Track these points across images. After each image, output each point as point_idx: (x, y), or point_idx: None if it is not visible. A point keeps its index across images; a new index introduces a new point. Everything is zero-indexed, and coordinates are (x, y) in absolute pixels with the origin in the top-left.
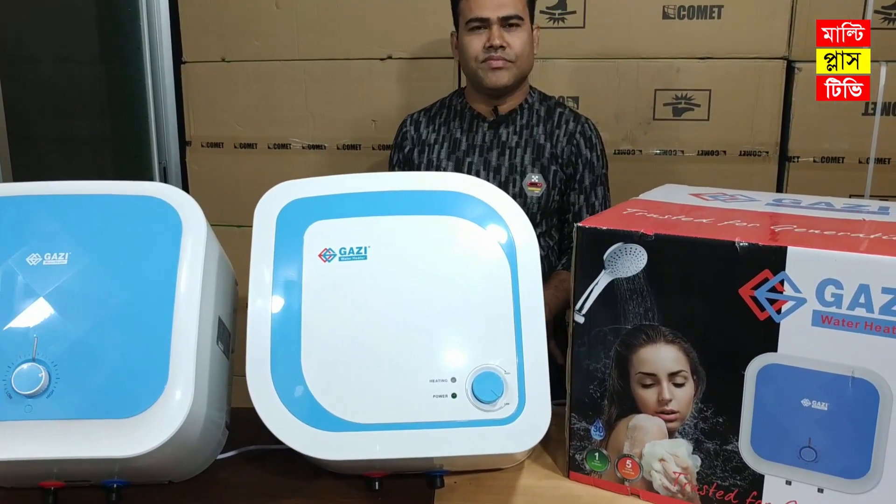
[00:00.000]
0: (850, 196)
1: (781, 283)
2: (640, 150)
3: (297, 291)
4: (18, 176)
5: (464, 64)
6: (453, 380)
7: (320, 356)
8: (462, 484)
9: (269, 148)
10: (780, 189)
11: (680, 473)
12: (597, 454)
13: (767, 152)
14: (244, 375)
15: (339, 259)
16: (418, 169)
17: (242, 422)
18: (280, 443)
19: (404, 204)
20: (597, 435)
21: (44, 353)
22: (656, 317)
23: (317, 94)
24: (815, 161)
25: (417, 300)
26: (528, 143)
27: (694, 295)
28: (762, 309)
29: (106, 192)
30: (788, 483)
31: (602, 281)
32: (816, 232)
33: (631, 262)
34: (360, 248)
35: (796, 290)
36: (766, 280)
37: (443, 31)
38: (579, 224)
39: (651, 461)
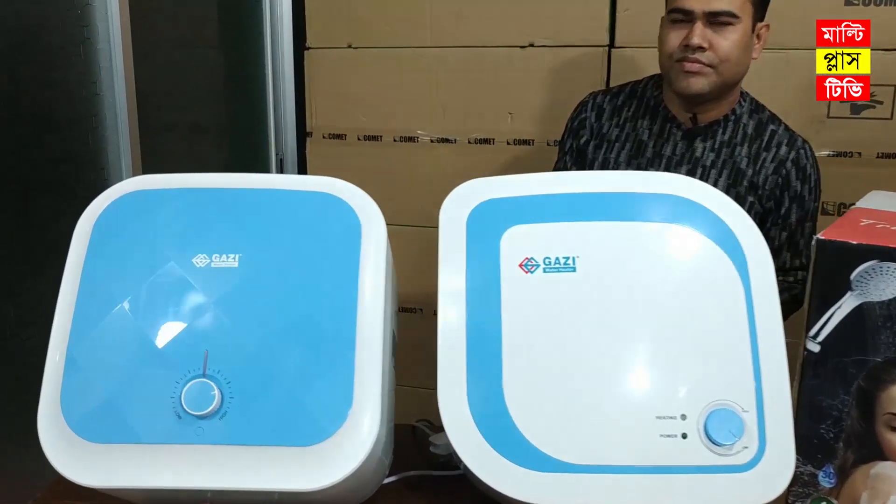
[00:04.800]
0: None
1: None
2: None
3: (495, 307)
4: (146, 167)
5: (660, 59)
6: (683, 417)
7: (525, 383)
8: None
9: (394, 141)
10: None
11: None
12: (824, 503)
13: None
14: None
15: (544, 270)
16: (591, 166)
17: (397, 441)
18: (443, 467)
19: (618, 208)
20: (826, 482)
21: (216, 368)
22: None
23: (449, 85)
24: None
25: (637, 321)
26: (725, 164)
27: None
28: None
29: (275, 186)
30: None
31: (847, 304)
32: None
33: (888, 283)
34: (568, 259)
35: None
36: None
37: (594, 15)
38: (820, 236)
39: None
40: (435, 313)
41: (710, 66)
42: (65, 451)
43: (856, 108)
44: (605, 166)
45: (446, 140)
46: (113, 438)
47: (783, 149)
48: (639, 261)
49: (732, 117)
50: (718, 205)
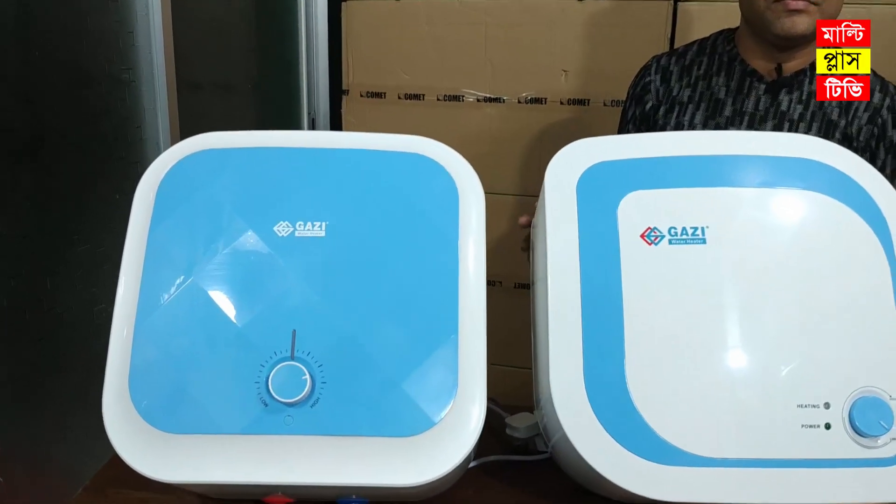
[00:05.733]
0: None
1: None
2: None
3: (614, 282)
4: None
5: (746, 2)
6: (826, 405)
7: (649, 366)
8: None
9: (437, 100)
10: None
11: None
12: None
13: None
14: None
15: (670, 241)
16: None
17: None
18: (520, 452)
19: (750, 173)
20: None
21: (305, 350)
22: None
23: (498, 40)
24: None
25: (774, 298)
26: (815, 116)
27: None
28: None
29: (362, 145)
30: None
31: None
32: None
33: None
34: (697, 229)
35: None
36: None
37: None
38: None
39: None
40: (517, 286)
41: (814, 3)
42: (135, 442)
43: None
44: (678, 130)
45: (494, 100)
46: (190, 428)
47: (876, 96)
48: (776, 232)
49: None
50: (860, 172)
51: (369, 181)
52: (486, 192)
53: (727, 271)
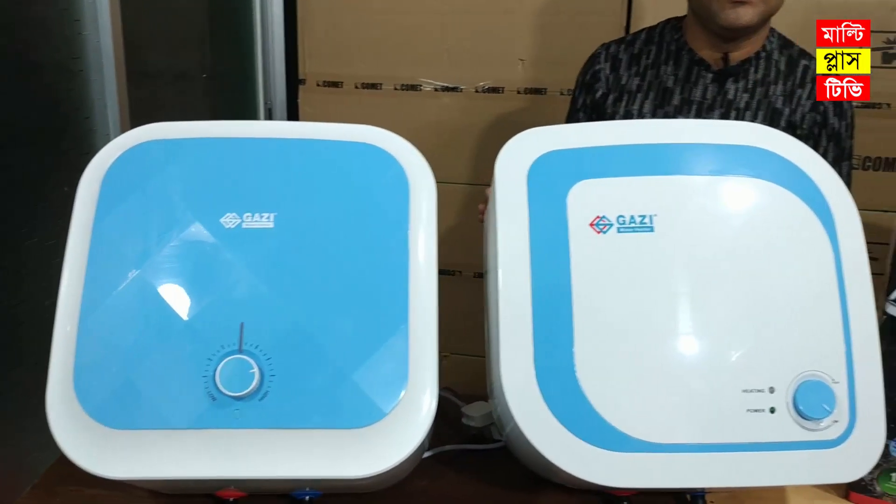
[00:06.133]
0: None
1: None
2: None
3: (563, 270)
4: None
5: None
6: (771, 390)
7: (598, 354)
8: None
9: (395, 89)
10: None
11: None
12: (894, 475)
13: None
14: None
15: (618, 230)
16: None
17: None
18: (477, 441)
19: (697, 161)
20: None
21: (253, 343)
22: None
23: (455, 28)
24: None
25: (720, 285)
26: (760, 105)
27: None
28: None
29: (311, 135)
30: None
31: None
32: None
33: None
34: (645, 217)
35: None
36: None
37: None
38: None
39: None
40: (476, 276)
41: None
42: (82, 439)
43: (887, 57)
44: (627, 119)
45: (452, 88)
46: (138, 424)
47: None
48: (722, 219)
49: (763, 54)
50: (804, 159)
51: (319, 172)
52: (444, 182)
53: (675, 259)
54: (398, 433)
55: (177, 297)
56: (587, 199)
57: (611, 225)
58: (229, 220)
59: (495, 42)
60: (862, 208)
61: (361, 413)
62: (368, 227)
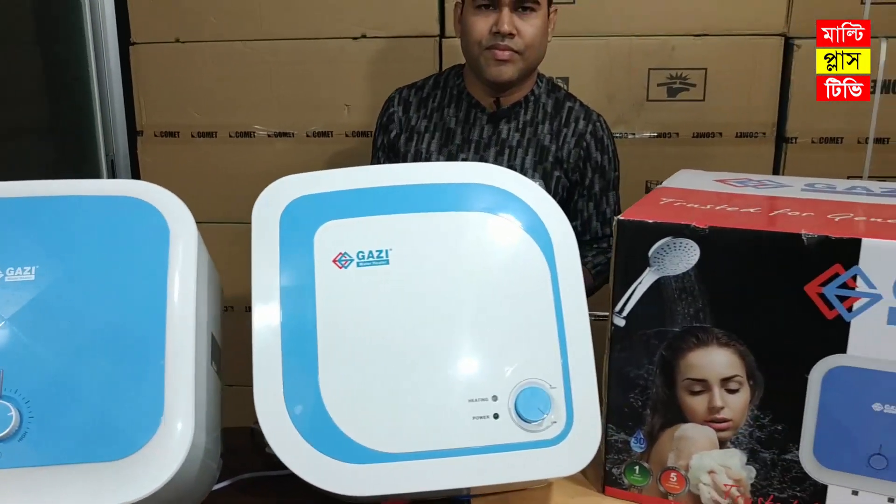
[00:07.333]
0: (849, 177)
1: (854, 278)
2: (633, 133)
3: (310, 303)
4: None
5: (465, 46)
6: (494, 398)
7: (341, 378)
8: None
9: (230, 136)
10: (776, 171)
11: (731, 486)
12: (637, 468)
13: (765, 133)
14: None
15: (358, 264)
16: (404, 159)
17: (230, 445)
18: (279, 467)
19: (427, 199)
20: (637, 447)
21: (12, 388)
22: (708, 318)
23: (283, 77)
24: (813, 142)
25: (449, 309)
26: (530, 143)
27: (752, 293)
28: (831, 307)
29: (74, 192)
30: (855, 493)
31: (647, 280)
32: (879, 220)
33: (680, 258)
34: (381, 252)
35: (871, 285)
36: (836, 275)
37: (424, 5)
38: (620, 217)
39: (699, 473)
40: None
41: (518, 52)
42: None
43: (672, 91)
44: (417, 157)
45: (284, 134)
46: None
47: (581, 123)
48: (450, 250)
49: (532, 98)
50: (521, 189)
51: (81, 225)
52: None
53: (408, 288)
54: (154, 463)
55: None
56: (332, 237)
57: (351, 260)
58: None
59: (322, 89)
60: None
61: (117, 446)
62: (127, 273)
